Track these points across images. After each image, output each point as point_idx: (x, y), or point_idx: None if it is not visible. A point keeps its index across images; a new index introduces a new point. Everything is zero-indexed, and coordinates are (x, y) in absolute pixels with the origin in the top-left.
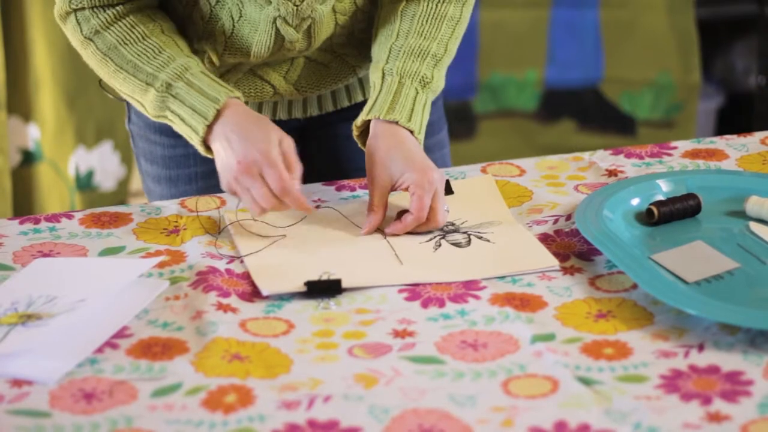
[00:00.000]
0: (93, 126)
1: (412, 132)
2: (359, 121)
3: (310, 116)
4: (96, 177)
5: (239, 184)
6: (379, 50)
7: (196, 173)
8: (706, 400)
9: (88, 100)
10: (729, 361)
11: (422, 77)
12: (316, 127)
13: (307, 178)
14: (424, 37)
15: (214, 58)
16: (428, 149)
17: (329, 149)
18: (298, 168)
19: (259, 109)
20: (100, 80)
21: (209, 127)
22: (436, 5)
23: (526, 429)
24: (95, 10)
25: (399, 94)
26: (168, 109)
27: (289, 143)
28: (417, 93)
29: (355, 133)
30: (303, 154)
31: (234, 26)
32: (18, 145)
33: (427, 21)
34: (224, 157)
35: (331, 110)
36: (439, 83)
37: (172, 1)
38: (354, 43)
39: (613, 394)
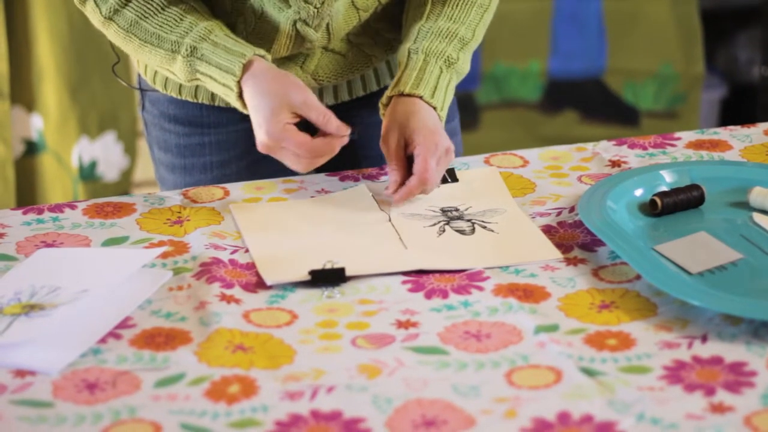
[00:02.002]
0: (96, 116)
1: (435, 108)
2: (385, 98)
3: (326, 105)
4: (99, 167)
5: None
6: (407, 32)
7: (210, 162)
8: (710, 391)
9: (91, 91)
10: (732, 352)
11: (447, 57)
12: None
13: (321, 166)
14: (453, 21)
15: None
16: None
17: None
18: (317, 115)
19: None
20: (113, 66)
21: (239, 83)
22: None
23: (530, 419)
24: None
25: (423, 71)
26: (198, 72)
27: (301, 99)
28: (441, 72)
29: (381, 111)
30: None
31: (256, 22)
32: (21, 135)
33: (457, 6)
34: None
35: (347, 99)
36: (464, 66)
37: None
38: (370, 33)
39: (617, 384)
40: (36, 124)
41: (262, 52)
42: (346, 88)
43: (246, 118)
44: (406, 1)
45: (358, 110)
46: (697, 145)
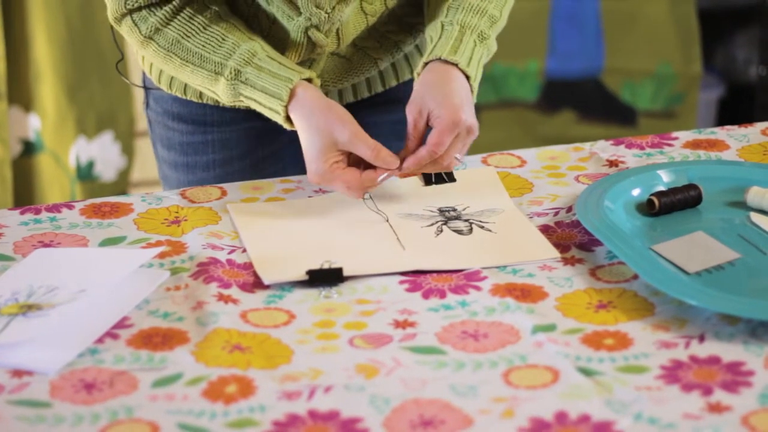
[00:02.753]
0: (94, 116)
1: (468, 78)
2: (419, 68)
3: None
4: (97, 167)
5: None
6: (435, 8)
7: (213, 160)
8: (707, 391)
9: (89, 91)
10: (730, 351)
11: (481, 32)
12: None
13: None
14: None
15: None
16: None
17: None
18: (365, 150)
19: None
20: (117, 64)
21: (287, 108)
22: None
23: (527, 419)
24: (151, 8)
25: (459, 41)
26: (241, 95)
27: (347, 136)
28: (475, 45)
29: (415, 79)
30: None
31: (270, 27)
32: (19, 135)
33: None
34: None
35: (352, 101)
36: (493, 45)
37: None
38: (375, 36)
39: (614, 384)
40: (33, 124)
41: (307, 74)
42: (351, 91)
43: (250, 118)
44: None
45: (363, 110)
46: (695, 144)
